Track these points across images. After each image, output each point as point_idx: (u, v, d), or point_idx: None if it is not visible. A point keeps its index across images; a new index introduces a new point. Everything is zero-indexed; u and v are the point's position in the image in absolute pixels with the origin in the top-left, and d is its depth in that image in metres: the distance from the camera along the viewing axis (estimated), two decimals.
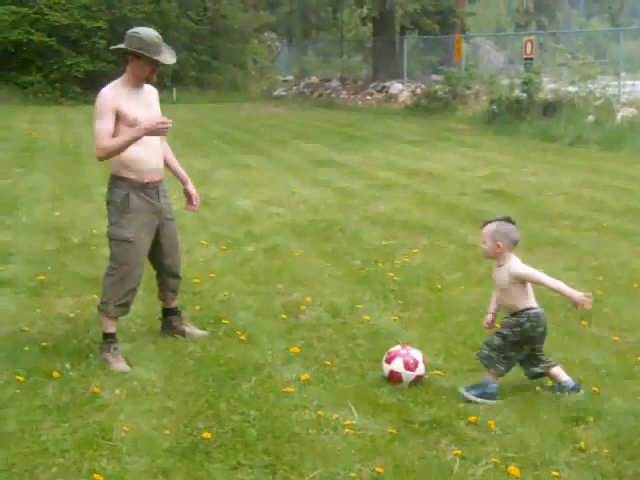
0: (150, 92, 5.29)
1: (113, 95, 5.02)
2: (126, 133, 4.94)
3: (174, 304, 5.62)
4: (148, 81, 5.17)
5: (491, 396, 4.57)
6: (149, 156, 5.10)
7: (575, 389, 4.64)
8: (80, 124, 20.39)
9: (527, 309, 4.66)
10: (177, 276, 5.55)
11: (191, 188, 5.59)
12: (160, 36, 5.12)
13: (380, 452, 3.98)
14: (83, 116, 22.21)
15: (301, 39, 40.59)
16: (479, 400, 4.53)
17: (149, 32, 5.06)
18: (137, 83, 5.11)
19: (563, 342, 5.45)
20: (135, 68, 5.04)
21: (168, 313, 5.62)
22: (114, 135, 4.99)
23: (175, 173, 5.57)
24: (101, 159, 5.05)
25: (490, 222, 4.78)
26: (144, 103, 5.13)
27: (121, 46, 5.03)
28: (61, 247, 7.98)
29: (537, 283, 4.71)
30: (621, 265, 7.31)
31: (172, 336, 5.51)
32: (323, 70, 35.70)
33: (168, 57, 5.10)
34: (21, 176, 12.45)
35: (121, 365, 5.02)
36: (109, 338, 5.16)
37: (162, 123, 4.89)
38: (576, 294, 4.58)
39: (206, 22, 32.49)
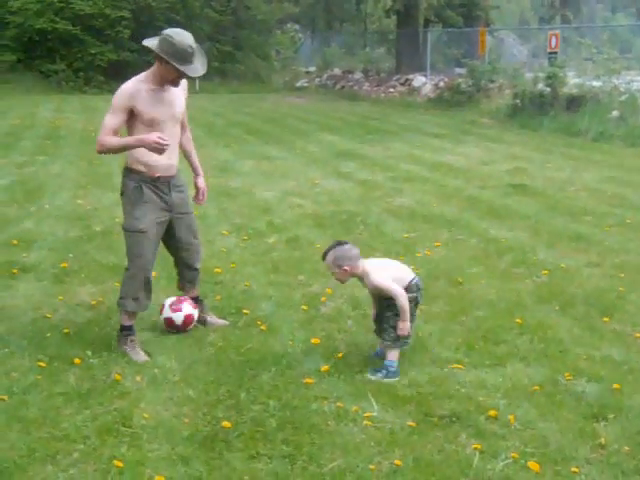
0: (177, 88, 5.18)
1: (132, 93, 4.97)
2: (126, 139, 4.97)
3: (195, 293, 5.64)
4: (173, 85, 5.05)
5: (395, 374, 4.74)
6: (162, 154, 5.02)
7: (392, 375, 4.75)
8: (103, 113, 20.39)
9: (406, 287, 4.85)
10: (194, 268, 5.54)
11: (201, 182, 5.59)
12: (195, 45, 4.91)
13: (399, 445, 3.98)
14: (106, 105, 22.21)
15: (324, 30, 40.54)
16: (385, 380, 4.69)
17: (183, 39, 4.86)
18: (162, 83, 5.04)
19: (584, 338, 5.41)
20: (161, 70, 4.96)
21: None
22: (130, 131, 5.03)
23: (190, 165, 5.58)
24: (99, 152, 5.07)
25: (327, 254, 4.89)
26: (166, 101, 5.05)
27: (151, 46, 4.89)
28: (84, 235, 8.03)
29: (392, 296, 4.80)
30: None
31: (193, 325, 5.53)
32: (346, 62, 35.62)
33: (197, 68, 4.95)
34: (44, 164, 12.53)
35: (140, 356, 5.05)
36: (126, 331, 5.18)
37: (158, 143, 4.81)
38: (402, 327, 4.77)
39: (229, 12, 32.52)
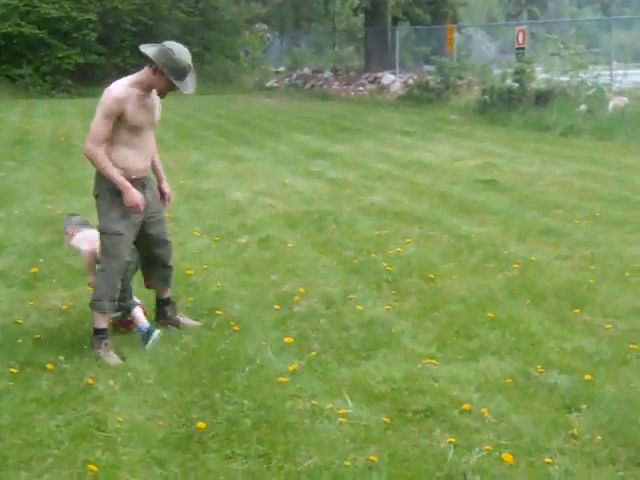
0: (154, 94, 5.21)
1: (124, 98, 4.96)
2: (115, 177, 4.98)
3: (167, 294, 5.63)
4: (160, 95, 5.16)
5: (149, 333, 5.21)
6: (139, 159, 5.14)
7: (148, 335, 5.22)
8: (72, 117, 20.36)
9: None
10: (168, 266, 5.56)
11: (165, 187, 5.56)
12: (191, 64, 5.04)
13: (374, 441, 4.00)
14: (75, 109, 22.20)
15: (293, 30, 40.54)
16: (149, 344, 5.16)
17: (184, 56, 4.96)
18: (149, 90, 5.08)
19: (556, 330, 5.46)
20: (153, 79, 4.99)
21: (162, 303, 5.63)
22: (115, 134, 5.01)
23: (153, 169, 5.54)
24: (86, 157, 5.07)
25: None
26: (148, 108, 5.10)
27: (151, 56, 4.92)
28: (54, 240, 7.95)
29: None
30: (613, 254, 7.32)
31: (165, 327, 5.51)
32: (315, 61, 35.63)
33: (189, 86, 5.05)
34: (13, 170, 12.40)
35: (113, 359, 5.02)
36: (100, 334, 5.15)
37: (138, 207, 5.01)
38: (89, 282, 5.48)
39: (197, 14, 32.42)
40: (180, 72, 4.95)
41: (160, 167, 5.59)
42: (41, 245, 7.79)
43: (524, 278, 6.61)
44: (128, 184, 5.00)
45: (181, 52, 4.97)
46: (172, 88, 5.03)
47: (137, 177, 5.14)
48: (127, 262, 5.25)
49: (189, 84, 5.07)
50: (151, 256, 5.49)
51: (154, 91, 5.14)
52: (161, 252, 5.47)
